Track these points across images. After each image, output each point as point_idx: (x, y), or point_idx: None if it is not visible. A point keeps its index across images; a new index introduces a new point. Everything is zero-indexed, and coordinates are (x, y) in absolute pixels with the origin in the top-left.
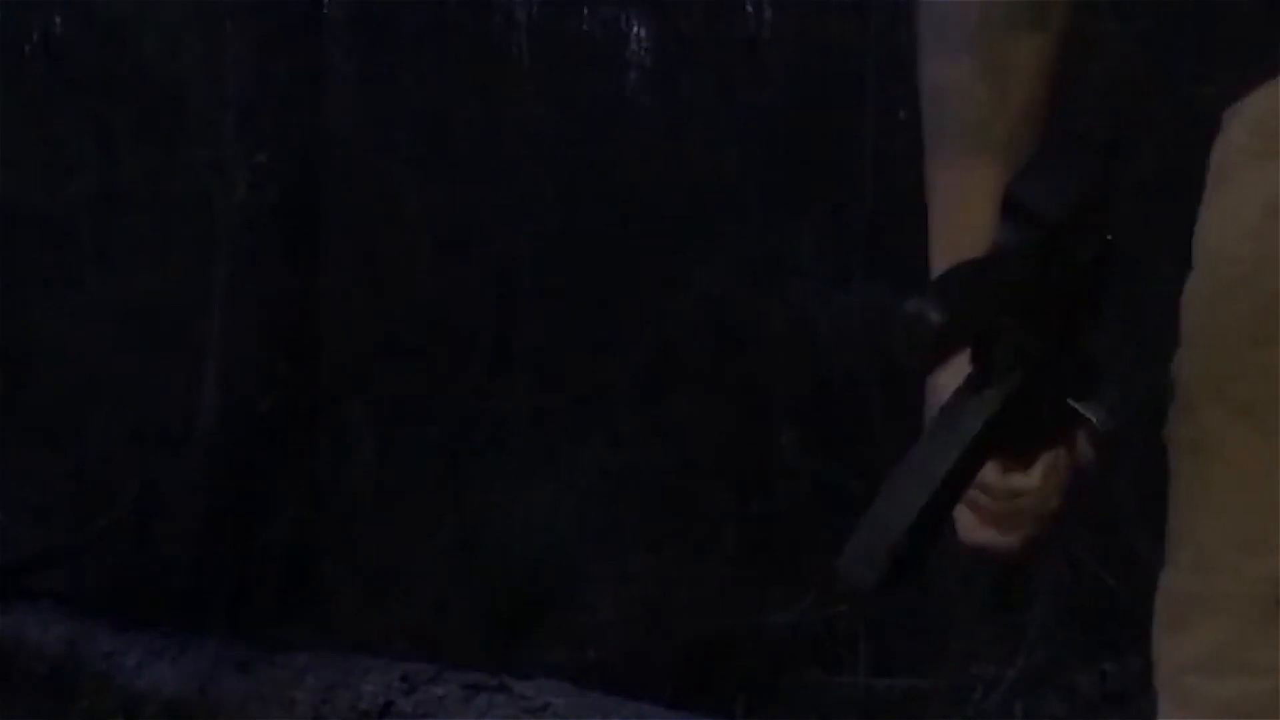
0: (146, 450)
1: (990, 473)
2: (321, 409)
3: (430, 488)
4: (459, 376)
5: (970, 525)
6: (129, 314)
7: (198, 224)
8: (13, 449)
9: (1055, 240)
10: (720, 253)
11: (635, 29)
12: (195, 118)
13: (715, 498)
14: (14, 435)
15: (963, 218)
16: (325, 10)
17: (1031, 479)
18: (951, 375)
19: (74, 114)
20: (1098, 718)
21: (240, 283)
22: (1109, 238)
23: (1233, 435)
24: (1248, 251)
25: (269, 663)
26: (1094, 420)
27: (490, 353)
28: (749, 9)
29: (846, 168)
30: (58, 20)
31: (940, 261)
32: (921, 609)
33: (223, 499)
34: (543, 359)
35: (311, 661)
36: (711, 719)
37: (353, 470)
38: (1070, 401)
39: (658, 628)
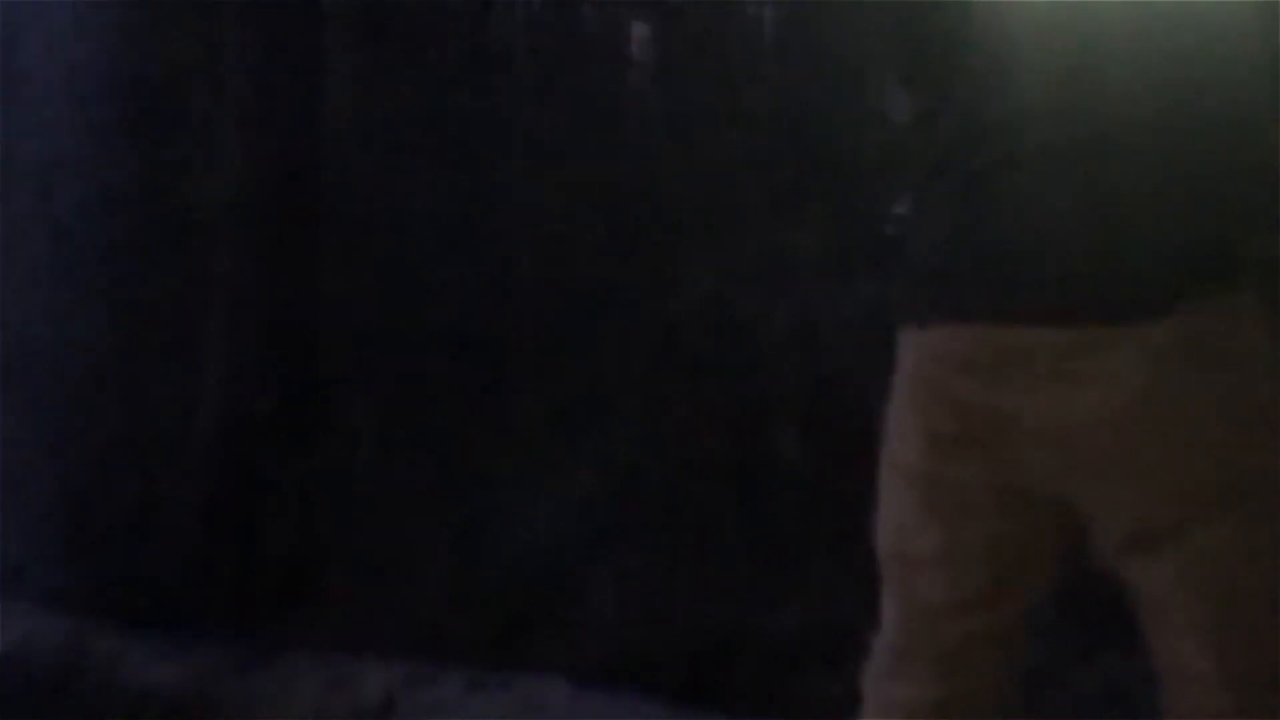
0: (146, 450)
1: None
2: (321, 409)
3: (430, 488)
4: (459, 376)
5: None
6: (128, 314)
7: (196, 224)
8: (13, 449)
9: None
10: (720, 253)
11: (635, 28)
12: (194, 116)
13: (715, 498)
14: (14, 435)
15: None
16: (325, 10)
17: None
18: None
19: (75, 114)
20: (1098, 717)
21: (239, 282)
22: None
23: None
24: None
25: (269, 662)
26: None
27: (490, 353)
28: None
29: (846, 168)
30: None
31: None
32: None
33: (223, 499)
34: (543, 359)
35: (311, 661)
36: (711, 719)
37: (353, 470)
38: None
39: (658, 628)
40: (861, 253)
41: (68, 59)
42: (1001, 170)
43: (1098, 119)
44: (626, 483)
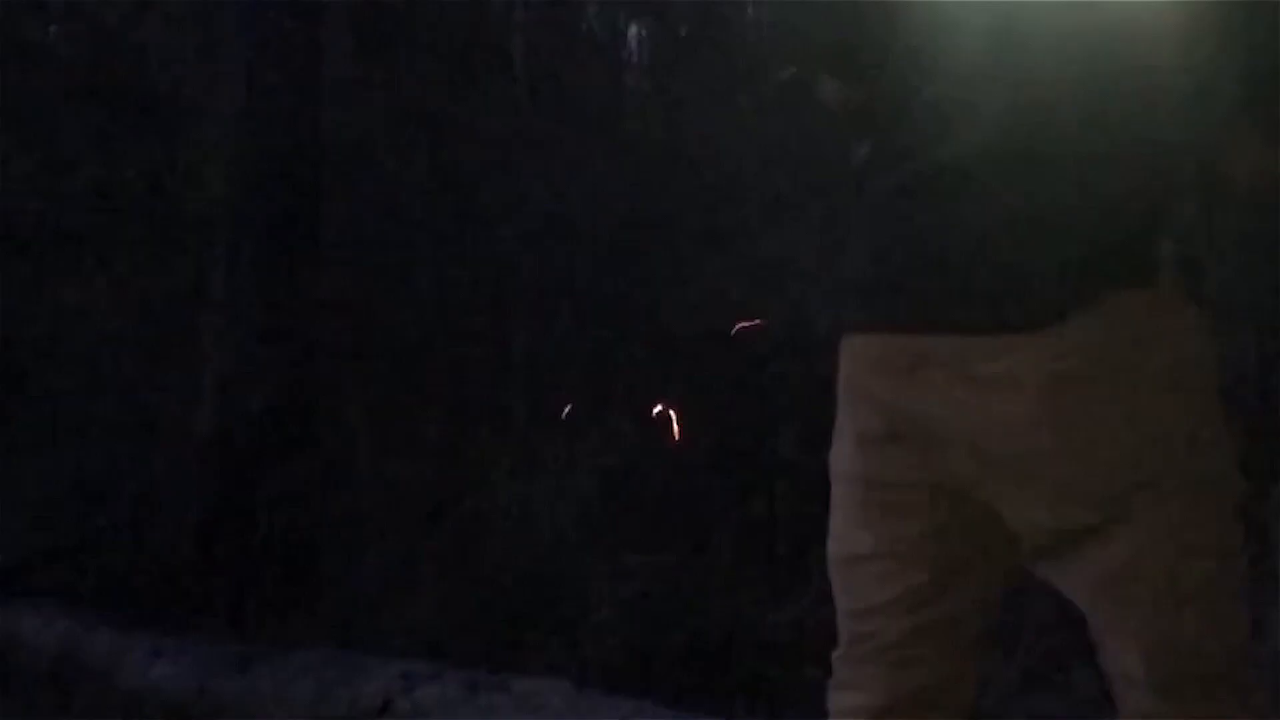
0: (146, 450)
1: None
2: (321, 409)
3: (430, 487)
4: (458, 377)
5: None
6: (128, 314)
7: (196, 224)
8: (13, 449)
9: None
10: (720, 253)
11: (635, 28)
12: (194, 116)
13: (715, 498)
14: (14, 435)
15: None
16: (325, 9)
17: None
18: None
19: (74, 114)
20: (1098, 717)
21: (238, 283)
22: None
23: None
24: None
25: (268, 662)
26: None
27: (489, 353)
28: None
29: (845, 168)
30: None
31: None
32: None
33: (222, 499)
34: (543, 359)
35: (310, 660)
36: (711, 719)
37: (352, 470)
38: None
39: (658, 628)
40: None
41: (68, 59)
42: (912, 184)
43: (1016, 128)
44: (626, 483)
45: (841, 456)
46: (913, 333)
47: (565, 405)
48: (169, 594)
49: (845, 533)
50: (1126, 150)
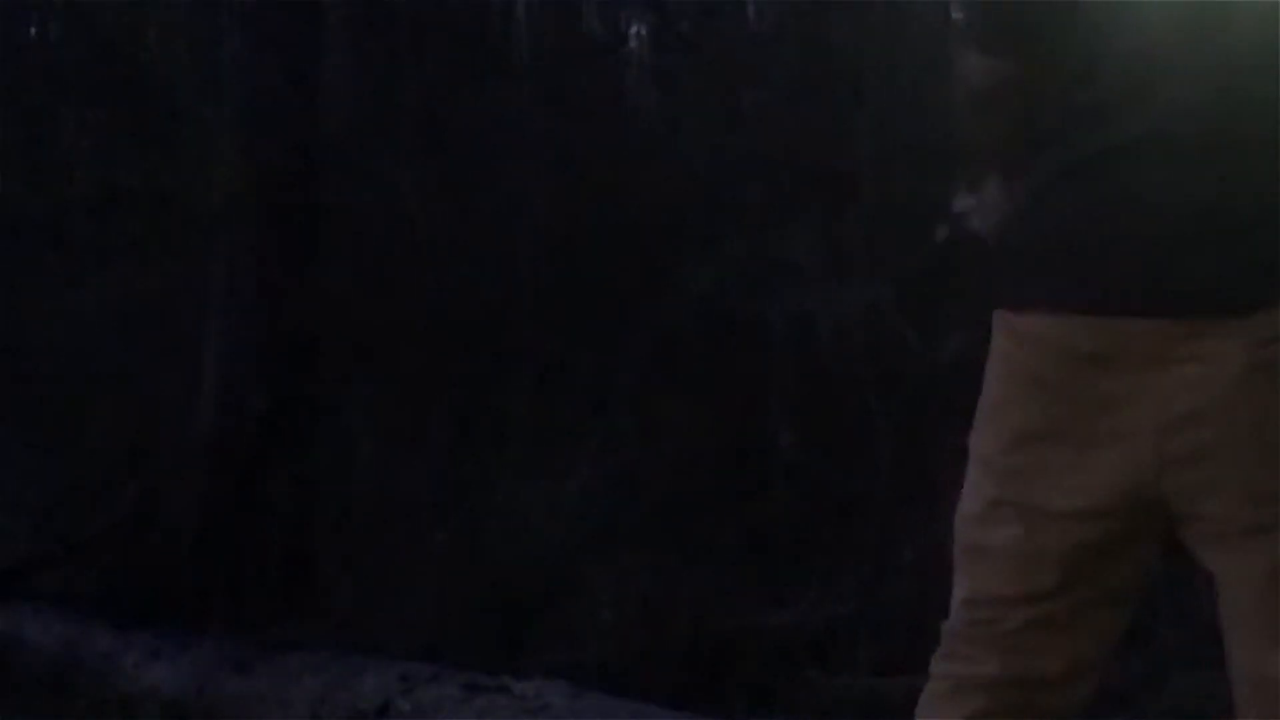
0: (145, 450)
1: None
2: (320, 408)
3: (430, 487)
4: (458, 376)
5: None
6: (128, 314)
7: (196, 224)
8: (13, 449)
9: None
10: (720, 253)
11: (635, 28)
12: (193, 116)
13: (714, 498)
14: (14, 435)
15: None
16: (324, 9)
17: None
18: None
19: (74, 114)
20: (1098, 718)
21: (238, 283)
22: None
23: None
24: None
25: (267, 663)
26: None
27: (490, 353)
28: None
29: (845, 168)
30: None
31: None
32: (922, 609)
33: (221, 499)
34: (542, 359)
35: (310, 661)
36: (711, 719)
37: (352, 470)
38: None
39: (658, 628)
40: (860, 253)
41: (68, 59)
42: (1104, 158)
43: (1205, 108)
44: (626, 483)
45: (989, 444)
46: (1109, 315)
47: (566, 405)
48: (169, 594)
49: (975, 522)
50: None
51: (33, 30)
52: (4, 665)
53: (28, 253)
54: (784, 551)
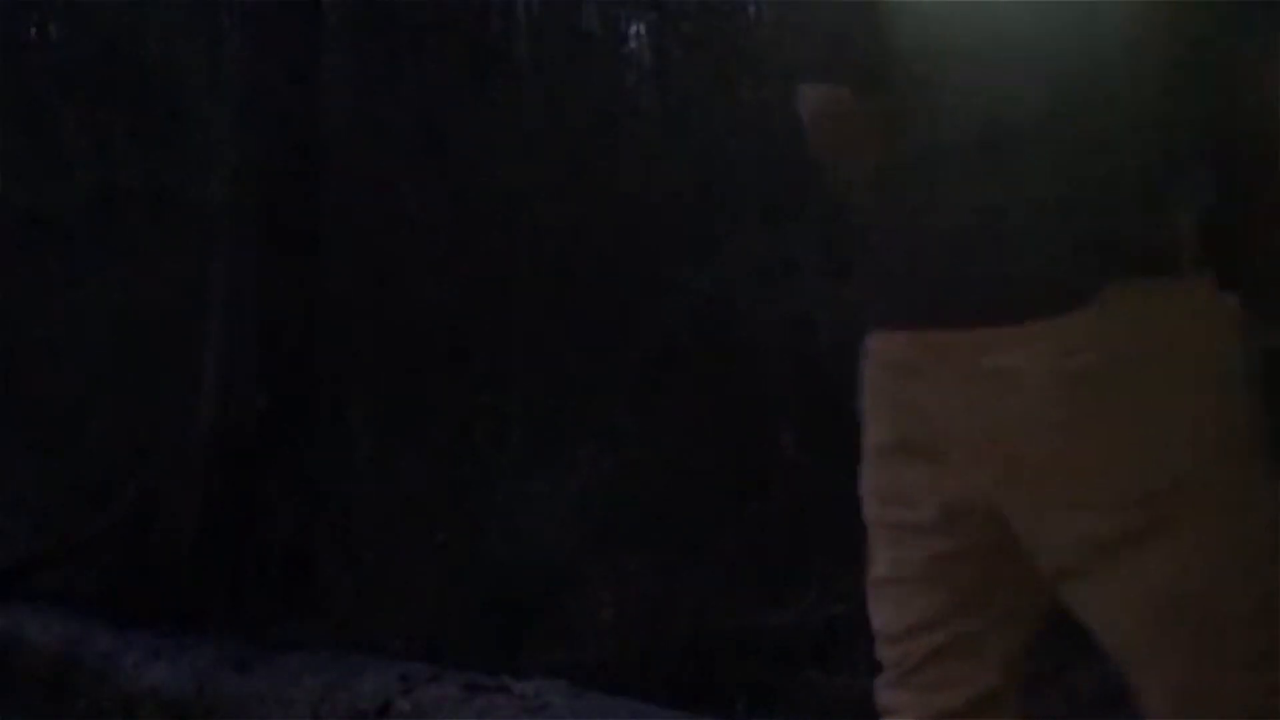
0: (145, 450)
1: None
2: (320, 409)
3: (430, 487)
4: (458, 376)
5: None
6: (128, 314)
7: (196, 224)
8: (12, 449)
9: None
10: (720, 253)
11: (635, 27)
12: (194, 116)
13: (715, 498)
14: (13, 436)
15: None
16: (324, 9)
17: None
18: None
19: (74, 114)
20: (1098, 718)
21: (239, 283)
22: None
23: None
24: None
25: (267, 662)
26: None
27: (489, 353)
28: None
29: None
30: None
31: None
32: None
33: (221, 499)
34: (542, 359)
35: (310, 661)
36: (711, 719)
37: (351, 470)
38: None
39: (658, 628)
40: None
41: (68, 58)
42: (917, 166)
43: (1001, 114)
44: (626, 483)
45: (864, 467)
46: (921, 328)
47: (565, 405)
48: (169, 594)
49: (870, 554)
50: (1117, 130)
51: (33, 30)
52: (4, 665)
53: (28, 253)
54: (784, 551)
